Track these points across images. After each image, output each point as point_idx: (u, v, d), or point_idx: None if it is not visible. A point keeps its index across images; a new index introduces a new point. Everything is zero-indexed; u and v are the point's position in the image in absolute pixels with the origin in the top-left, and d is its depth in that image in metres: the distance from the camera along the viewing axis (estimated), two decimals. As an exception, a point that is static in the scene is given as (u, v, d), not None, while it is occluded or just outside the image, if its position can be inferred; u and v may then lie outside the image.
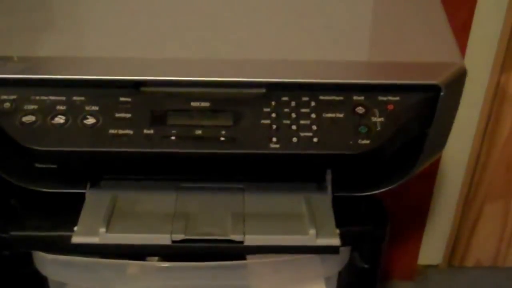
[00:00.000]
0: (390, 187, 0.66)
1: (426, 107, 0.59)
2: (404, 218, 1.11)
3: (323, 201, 0.64)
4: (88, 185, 0.64)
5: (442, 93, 0.58)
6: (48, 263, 0.68)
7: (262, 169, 0.64)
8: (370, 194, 0.67)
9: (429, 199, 1.16)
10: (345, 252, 0.70)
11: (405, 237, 1.19)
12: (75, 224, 0.59)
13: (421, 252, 1.25)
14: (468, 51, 1.00)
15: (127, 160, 0.59)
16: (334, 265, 0.71)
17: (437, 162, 1.08)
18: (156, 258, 0.68)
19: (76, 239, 0.58)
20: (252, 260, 0.68)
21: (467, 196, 1.19)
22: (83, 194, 0.63)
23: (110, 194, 0.63)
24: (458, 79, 0.60)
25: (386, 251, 0.72)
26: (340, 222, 0.61)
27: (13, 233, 0.64)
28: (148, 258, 0.69)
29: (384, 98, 0.59)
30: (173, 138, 0.57)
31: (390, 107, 0.59)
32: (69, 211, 0.61)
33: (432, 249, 1.27)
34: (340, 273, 0.73)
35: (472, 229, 1.23)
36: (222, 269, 0.68)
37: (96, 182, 0.65)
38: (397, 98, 0.59)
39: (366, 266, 0.70)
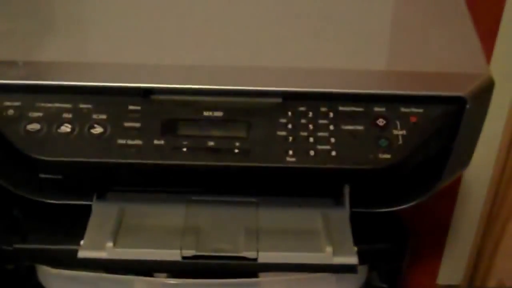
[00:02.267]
0: (410, 204, 0.63)
1: (451, 120, 0.56)
2: (423, 235, 1.07)
3: (341, 217, 0.61)
4: (95, 197, 0.62)
5: (467, 106, 0.56)
6: (52, 277, 0.66)
7: (277, 183, 0.61)
8: (389, 211, 0.65)
9: (450, 215, 1.13)
10: (362, 271, 0.67)
11: (424, 256, 1.16)
12: (81, 238, 0.57)
13: (441, 271, 1.21)
14: (493, 59, 0.96)
15: (136, 171, 0.57)
16: (350, 285, 0.68)
17: (459, 178, 1.05)
18: (164, 274, 0.66)
19: (82, 254, 0.56)
20: (264, 278, 0.65)
21: (490, 213, 1.15)
22: (89, 206, 0.61)
23: (117, 206, 0.61)
24: (485, 91, 0.57)
25: (404, 270, 0.70)
26: (357, 239, 0.58)
27: (16, 245, 0.62)
28: (155, 274, 0.66)
29: (407, 110, 0.56)
30: (184, 149, 0.55)
31: (413, 119, 0.56)
32: (74, 223, 0.60)
33: (452, 268, 1.23)
34: (357, 294, 0.70)
35: (494, 247, 1.19)
36: (233, 287, 0.65)
37: (103, 193, 0.63)
38: (420, 110, 0.56)
39: (384, 286, 0.67)
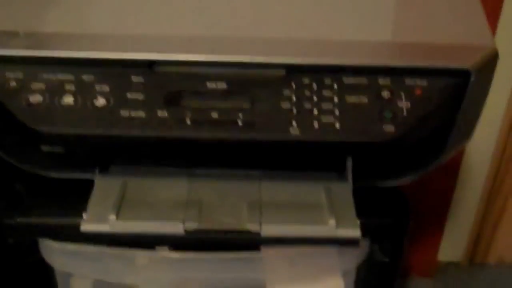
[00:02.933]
0: (413, 178, 0.63)
1: (455, 93, 0.56)
2: (424, 212, 1.07)
3: (343, 190, 0.61)
4: (97, 171, 0.62)
5: (472, 78, 0.55)
6: (54, 252, 0.65)
7: (280, 155, 0.61)
8: (392, 186, 0.65)
9: (451, 192, 1.12)
10: (364, 245, 0.67)
11: (425, 232, 1.16)
12: (84, 211, 0.57)
13: (442, 248, 1.21)
14: (497, 33, 0.95)
15: (139, 144, 0.56)
16: (352, 258, 0.68)
17: (461, 153, 1.05)
18: (166, 248, 0.66)
19: (85, 227, 0.56)
20: (267, 252, 0.65)
21: (491, 189, 1.14)
22: (92, 180, 0.61)
23: (120, 180, 0.61)
24: (489, 64, 0.57)
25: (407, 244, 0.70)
26: (360, 213, 0.58)
27: (19, 219, 0.62)
28: (157, 247, 0.66)
29: (411, 82, 0.55)
30: (188, 121, 0.54)
31: (418, 91, 0.55)
32: (77, 198, 0.59)
33: (453, 245, 1.23)
34: (358, 268, 0.70)
35: (495, 224, 1.19)
36: (235, 261, 0.65)
37: (105, 167, 0.63)
38: (425, 83, 0.55)
39: (386, 260, 0.67)
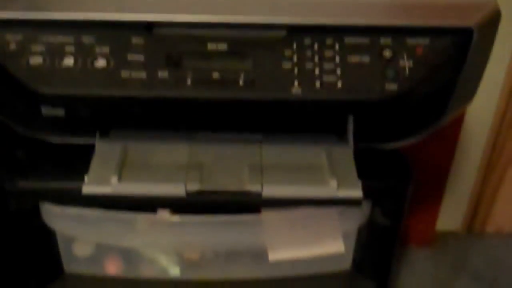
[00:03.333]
0: (415, 139, 0.63)
1: (457, 52, 0.56)
2: (423, 182, 1.06)
3: (345, 152, 0.61)
4: (98, 135, 0.62)
5: (474, 37, 0.55)
6: (56, 215, 0.66)
7: (282, 116, 0.61)
8: (395, 149, 0.65)
9: (449, 161, 1.11)
10: (365, 207, 0.68)
11: (424, 202, 1.16)
12: (85, 175, 0.57)
13: (440, 217, 1.20)
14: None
15: (140, 105, 0.56)
16: (353, 220, 0.69)
17: (460, 122, 1.04)
18: (167, 211, 0.66)
19: (87, 189, 0.56)
20: (267, 215, 0.65)
21: (489, 159, 1.14)
22: (93, 146, 0.61)
23: (121, 144, 0.61)
24: (492, 22, 0.57)
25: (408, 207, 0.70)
26: (362, 176, 0.58)
27: (20, 184, 0.62)
28: (159, 211, 0.66)
29: (413, 41, 0.55)
30: (188, 81, 0.54)
31: (419, 50, 0.55)
32: (78, 162, 0.59)
33: (451, 214, 1.23)
34: (359, 230, 0.71)
35: (494, 194, 1.19)
36: (236, 223, 0.65)
37: (106, 132, 0.63)
38: (427, 42, 0.55)
39: (387, 223, 0.68)
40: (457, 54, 0.56)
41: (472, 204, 1.20)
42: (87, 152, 0.60)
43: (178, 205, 0.63)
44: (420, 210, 1.14)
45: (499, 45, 0.91)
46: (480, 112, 1.04)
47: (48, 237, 0.69)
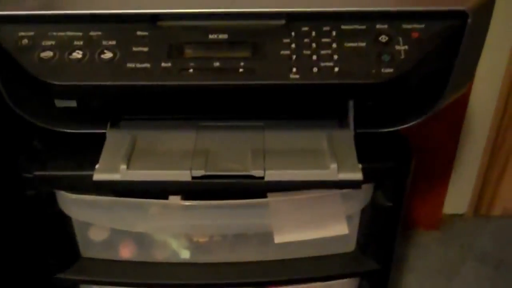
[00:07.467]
0: (414, 122, 0.64)
1: (453, 35, 0.57)
2: (429, 166, 1.08)
3: (345, 136, 0.63)
4: (108, 125, 0.64)
5: (469, 20, 0.56)
6: (71, 203, 0.68)
7: (282, 102, 0.63)
8: (396, 132, 0.66)
9: (455, 145, 1.12)
10: (367, 190, 0.69)
11: (430, 185, 1.17)
12: (97, 164, 0.60)
13: (447, 200, 1.22)
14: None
15: (145, 94, 0.59)
16: (356, 203, 0.70)
17: (464, 106, 1.05)
18: (179, 197, 0.68)
19: (97, 176, 0.59)
20: (273, 198, 0.67)
21: (495, 142, 1.14)
22: (104, 135, 0.64)
23: (130, 133, 0.64)
24: (487, 5, 0.58)
25: (411, 200, 0.71)
26: (363, 159, 0.60)
27: (36, 173, 0.65)
28: (170, 198, 0.69)
29: (409, 26, 0.57)
30: (191, 70, 0.56)
31: (415, 35, 0.57)
32: (91, 151, 0.62)
33: (458, 197, 1.24)
34: (362, 212, 0.72)
35: (499, 176, 1.20)
36: (243, 208, 0.67)
37: (116, 122, 0.65)
38: (422, 26, 0.57)
39: (389, 204, 0.69)
40: (452, 37, 0.57)
41: (478, 187, 1.21)
42: (100, 142, 0.63)
43: (186, 191, 0.65)
44: (427, 193, 1.15)
45: (502, 28, 0.92)
46: (484, 95, 1.05)
47: (65, 223, 0.72)
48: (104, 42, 0.57)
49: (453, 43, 0.58)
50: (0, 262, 0.77)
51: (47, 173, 0.65)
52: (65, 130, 0.66)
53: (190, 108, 0.65)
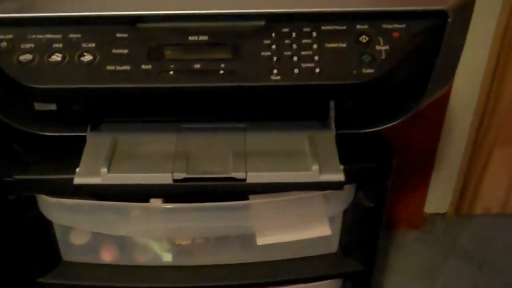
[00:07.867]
0: (395, 122, 0.65)
1: (433, 34, 0.57)
2: (410, 165, 1.09)
3: (327, 138, 0.63)
4: (89, 128, 0.64)
5: (449, 20, 0.56)
6: (52, 206, 0.68)
7: (263, 103, 0.63)
8: (377, 132, 0.66)
9: (436, 144, 1.13)
10: (349, 190, 0.70)
11: (412, 185, 1.17)
12: (77, 167, 0.59)
13: (428, 200, 1.22)
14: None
15: (126, 97, 0.58)
16: (338, 204, 0.70)
17: (444, 105, 1.06)
18: (160, 200, 0.68)
19: (78, 180, 0.58)
20: (254, 200, 0.67)
21: (475, 140, 1.15)
22: (85, 138, 0.63)
23: (111, 136, 0.63)
24: (467, 5, 0.58)
25: (392, 199, 0.71)
26: (345, 160, 0.60)
27: (17, 176, 0.64)
28: (151, 201, 0.69)
29: (389, 26, 0.57)
30: (171, 72, 0.56)
31: (395, 35, 0.57)
32: (71, 154, 0.61)
33: (439, 196, 1.24)
34: (344, 213, 0.72)
35: (480, 175, 1.20)
36: (225, 210, 0.67)
37: (97, 125, 0.65)
38: (403, 26, 0.57)
39: (371, 205, 0.69)
40: (432, 37, 0.57)
41: (459, 186, 1.21)
42: (80, 145, 0.62)
43: (167, 194, 0.65)
44: (408, 193, 1.16)
45: (481, 26, 0.92)
46: (464, 94, 1.06)
47: (46, 227, 0.71)
48: (84, 45, 0.57)
49: (434, 43, 0.58)
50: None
51: (27, 177, 0.65)
52: (45, 133, 0.66)
53: (171, 110, 0.65)
